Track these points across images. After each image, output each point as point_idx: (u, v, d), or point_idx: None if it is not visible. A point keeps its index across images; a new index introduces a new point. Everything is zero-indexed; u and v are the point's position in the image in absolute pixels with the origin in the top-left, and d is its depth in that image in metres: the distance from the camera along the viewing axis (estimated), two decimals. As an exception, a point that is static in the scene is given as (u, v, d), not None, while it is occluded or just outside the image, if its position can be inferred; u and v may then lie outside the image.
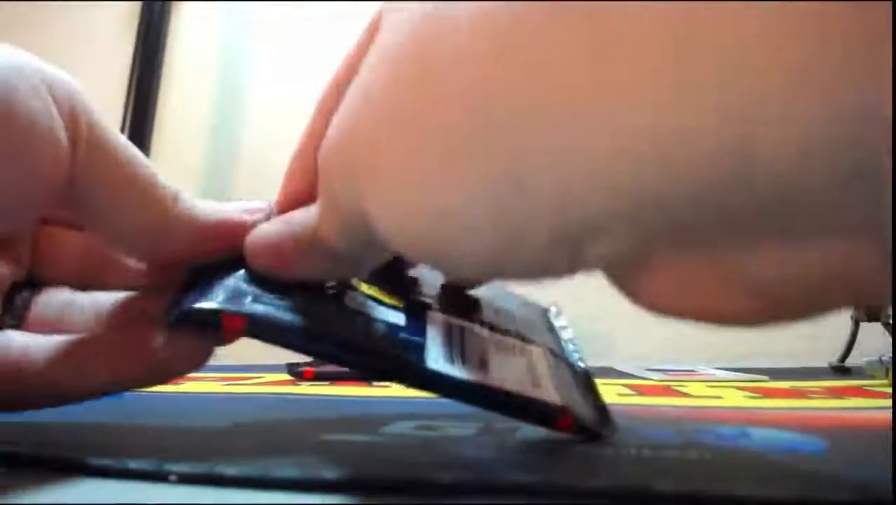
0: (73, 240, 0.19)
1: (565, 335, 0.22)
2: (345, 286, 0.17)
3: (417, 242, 0.12)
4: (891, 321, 0.41)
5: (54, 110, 0.14)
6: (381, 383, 0.35)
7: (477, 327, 0.18)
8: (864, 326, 0.42)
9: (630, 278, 0.11)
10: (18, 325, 0.18)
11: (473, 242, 0.11)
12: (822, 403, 0.24)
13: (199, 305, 0.14)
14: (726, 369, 0.43)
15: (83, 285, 0.19)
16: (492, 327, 0.19)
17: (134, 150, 0.16)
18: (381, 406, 0.25)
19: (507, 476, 0.12)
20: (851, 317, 0.43)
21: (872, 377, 0.35)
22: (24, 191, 0.14)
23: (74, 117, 0.14)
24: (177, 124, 0.98)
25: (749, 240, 0.09)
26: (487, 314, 0.20)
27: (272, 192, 0.18)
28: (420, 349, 0.16)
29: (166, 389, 0.34)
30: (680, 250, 0.10)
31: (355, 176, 0.12)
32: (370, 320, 0.16)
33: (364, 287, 0.17)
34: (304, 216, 0.16)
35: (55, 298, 0.19)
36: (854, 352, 0.41)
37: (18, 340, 0.17)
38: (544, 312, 0.23)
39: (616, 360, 0.60)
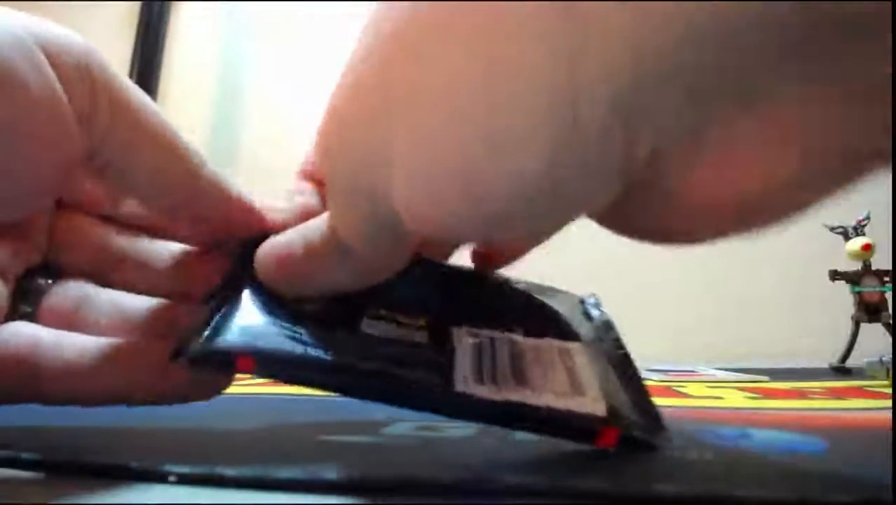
0: (91, 228, 0.18)
1: (606, 327, 0.20)
2: (361, 311, 0.16)
3: (456, 191, 0.11)
4: (891, 321, 0.41)
5: (57, 85, 0.13)
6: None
7: (509, 334, 0.17)
8: (864, 326, 0.42)
9: (678, 169, 0.11)
10: (34, 311, 0.17)
11: (528, 143, 0.10)
12: (822, 404, 0.24)
13: (209, 347, 0.14)
14: (726, 370, 0.43)
15: (98, 277, 0.18)
16: (526, 331, 0.17)
17: (156, 109, 0.15)
18: (381, 407, 0.25)
19: (507, 476, 0.12)
20: (852, 317, 0.43)
21: (873, 378, 0.35)
22: (32, 174, 0.14)
23: (90, 85, 0.14)
24: (176, 124, 0.98)
25: (785, 79, 0.09)
26: (520, 312, 0.18)
27: (271, 192, 0.18)
28: (446, 371, 0.15)
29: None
30: (732, 108, 0.10)
31: (372, 154, 0.12)
32: (389, 343, 0.15)
33: (383, 312, 0.16)
34: (315, 222, 0.15)
35: (72, 291, 0.18)
36: (854, 352, 0.41)
37: (27, 333, 0.16)
38: (581, 302, 0.21)
39: (616, 360, 0.60)
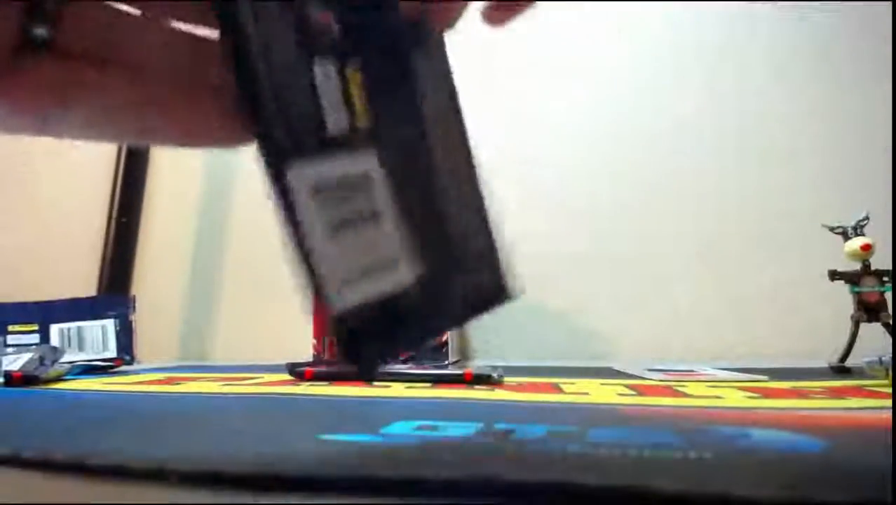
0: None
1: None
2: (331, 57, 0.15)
3: None
4: (890, 321, 0.41)
5: None
6: (382, 383, 0.35)
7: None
8: (864, 326, 0.42)
9: None
10: (48, 37, 0.14)
11: None
12: (822, 404, 0.24)
13: None
14: (726, 369, 0.43)
15: None
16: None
17: None
18: (381, 406, 0.25)
19: (507, 476, 0.12)
20: (851, 317, 0.43)
21: (872, 377, 0.35)
22: None
23: None
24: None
25: None
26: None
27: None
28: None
29: (166, 389, 0.34)
30: None
31: None
32: (312, 95, 0.14)
33: (351, 73, 0.15)
34: None
35: (93, 13, 0.15)
36: (854, 352, 0.41)
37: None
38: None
39: (616, 360, 0.60)
